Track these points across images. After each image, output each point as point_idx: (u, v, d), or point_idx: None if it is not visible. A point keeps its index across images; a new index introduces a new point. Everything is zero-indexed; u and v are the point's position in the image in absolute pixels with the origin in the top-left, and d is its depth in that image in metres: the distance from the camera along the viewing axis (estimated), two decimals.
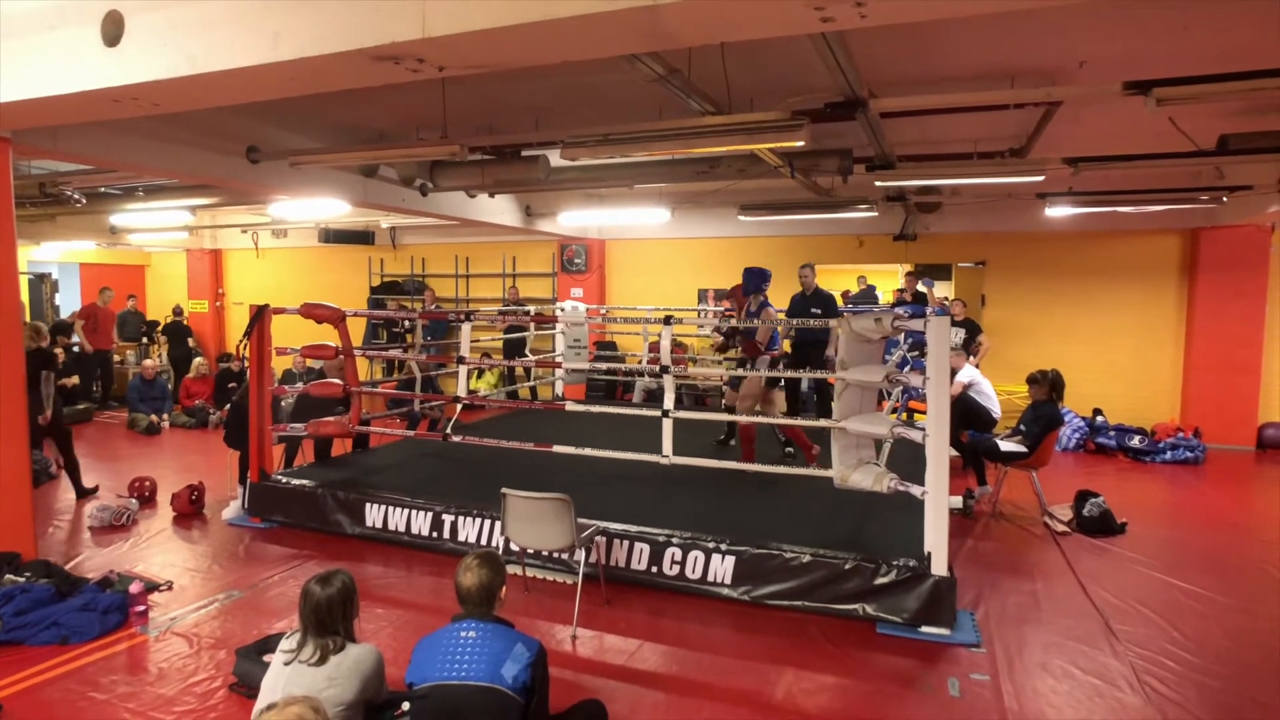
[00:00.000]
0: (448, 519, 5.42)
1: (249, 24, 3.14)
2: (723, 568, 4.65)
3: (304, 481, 6.09)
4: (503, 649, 2.63)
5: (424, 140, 6.29)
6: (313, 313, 6.30)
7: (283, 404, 7.01)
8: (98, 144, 5.47)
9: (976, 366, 7.65)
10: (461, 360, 6.44)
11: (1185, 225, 9.35)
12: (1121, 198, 7.85)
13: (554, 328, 10.37)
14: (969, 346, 8.45)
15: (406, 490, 5.78)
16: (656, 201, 9.78)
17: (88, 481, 6.97)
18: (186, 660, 3.92)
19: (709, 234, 11.27)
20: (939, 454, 4.23)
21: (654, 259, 11.94)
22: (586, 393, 11.21)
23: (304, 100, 4.15)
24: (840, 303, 8.86)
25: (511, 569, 4.48)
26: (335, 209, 9.20)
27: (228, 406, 7.20)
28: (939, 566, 4.22)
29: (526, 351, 10.75)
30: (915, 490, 4.35)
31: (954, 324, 8.49)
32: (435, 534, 5.46)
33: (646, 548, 4.82)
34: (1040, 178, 6.21)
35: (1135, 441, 8.93)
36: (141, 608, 4.36)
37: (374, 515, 5.68)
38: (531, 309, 11.76)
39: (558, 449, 5.78)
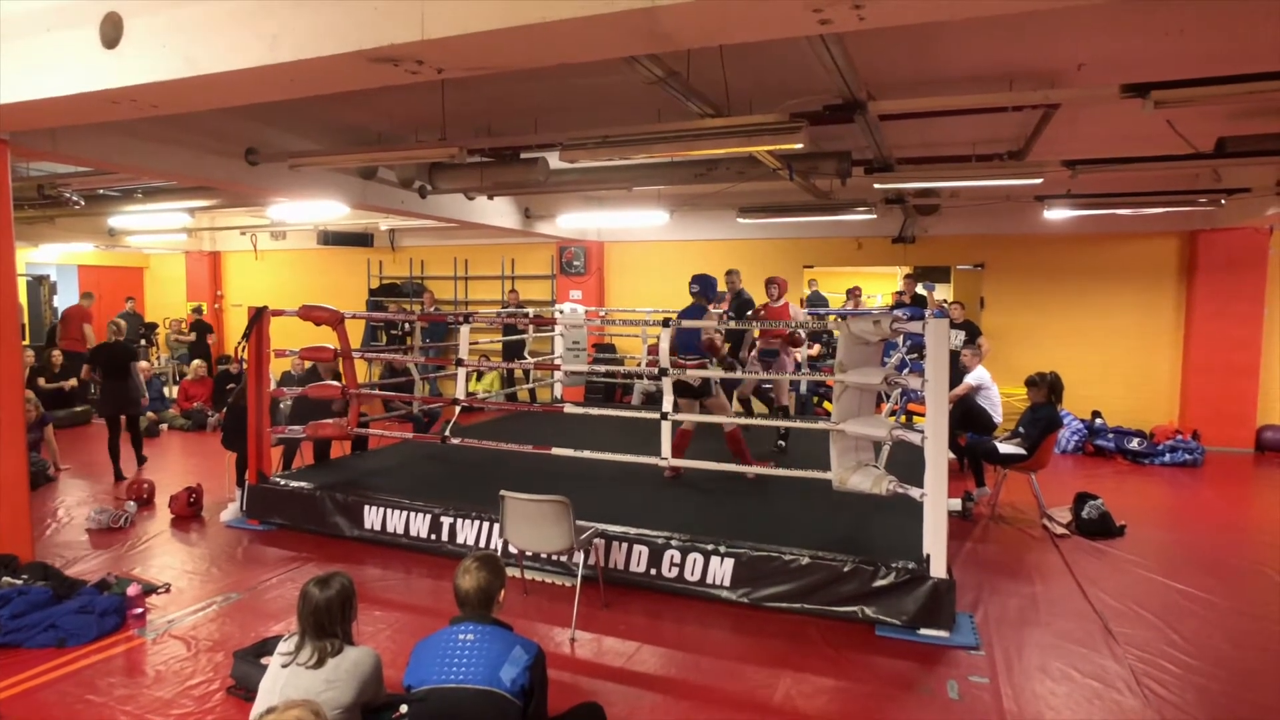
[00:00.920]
0: (446, 521, 5.42)
1: (247, 26, 3.14)
2: (721, 570, 4.64)
3: (302, 483, 6.08)
4: (501, 652, 2.62)
5: (423, 142, 6.29)
6: (311, 315, 6.29)
7: (281, 406, 7.00)
8: (96, 146, 5.47)
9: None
10: (460, 362, 6.44)
11: (1183, 228, 9.36)
12: (1120, 200, 7.86)
13: (553, 330, 10.37)
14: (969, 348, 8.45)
15: (405, 492, 5.77)
16: (655, 204, 9.79)
17: (88, 478, 6.98)
18: (184, 663, 3.92)
19: (708, 236, 11.28)
20: (938, 456, 4.23)
21: (653, 261, 11.94)
22: (585, 395, 11.21)
23: (303, 102, 4.16)
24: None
25: (510, 571, 4.48)
26: (334, 211, 9.20)
27: (225, 409, 7.21)
28: (938, 569, 4.21)
29: (525, 354, 10.75)
30: (914, 492, 4.35)
31: (953, 326, 8.50)
32: (434, 536, 5.45)
33: (645, 550, 4.81)
34: (1038, 180, 6.21)
35: (1134, 444, 8.93)
36: (139, 610, 4.35)
37: (373, 517, 5.67)
38: (530, 311, 11.77)
39: (556, 451, 5.78)
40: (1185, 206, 7.78)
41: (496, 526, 4.89)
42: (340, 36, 2.96)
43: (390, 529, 5.60)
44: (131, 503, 6.46)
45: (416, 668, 2.66)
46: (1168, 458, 8.67)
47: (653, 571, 4.79)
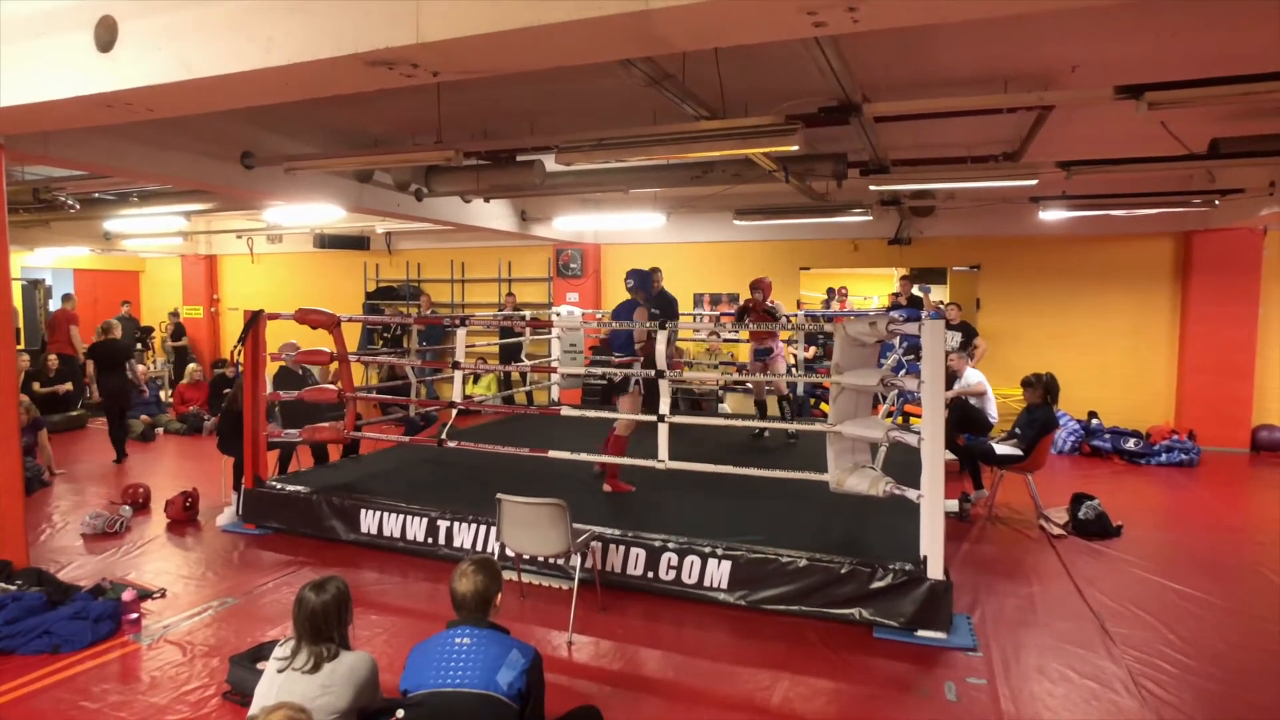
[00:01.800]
0: (443, 525, 5.41)
1: (243, 29, 3.14)
2: (719, 572, 4.64)
3: (298, 487, 6.07)
4: (498, 655, 2.62)
5: (419, 145, 6.29)
6: (308, 318, 6.28)
7: (276, 409, 6.98)
8: (92, 150, 5.45)
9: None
10: (457, 365, 6.43)
11: (1178, 228, 9.39)
12: (1115, 201, 7.89)
13: (549, 332, 10.36)
14: (966, 350, 8.47)
15: (402, 496, 5.76)
16: (652, 206, 9.79)
17: (82, 485, 6.95)
18: (180, 668, 3.90)
19: (704, 239, 11.29)
20: (934, 457, 4.23)
21: (649, 263, 11.89)
22: (582, 397, 11.20)
23: (299, 105, 4.15)
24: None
25: (507, 575, 4.46)
26: (330, 214, 9.19)
27: (220, 412, 7.18)
28: (935, 570, 4.22)
29: (522, 356, 10.74)
30: (911, 494, 4.35)
31: (949, 328, 8.52)
32: (430, 540, 5.44)
33: (642, 552, 4.81)
34: (1034, 181, 6.23)
35: (1130, 444, 8.95)
36: (134, 615, 4.34)
37: (369, 521, 5.66)
38: (527, 314, 11.76)
39: (553, 454, 5.77)
40: (1179, 207, 7.81)
41: (493, 530, 4.88)
42: (336, 40, 2.96)
43: (387, 533, 5.59)
44: (126, 507, 6.43)
45: (413, 672, 2.65)
46: (1164, 458, 8.70)
47: (650, 574, 4.78)
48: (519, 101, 5.61)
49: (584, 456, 5.66)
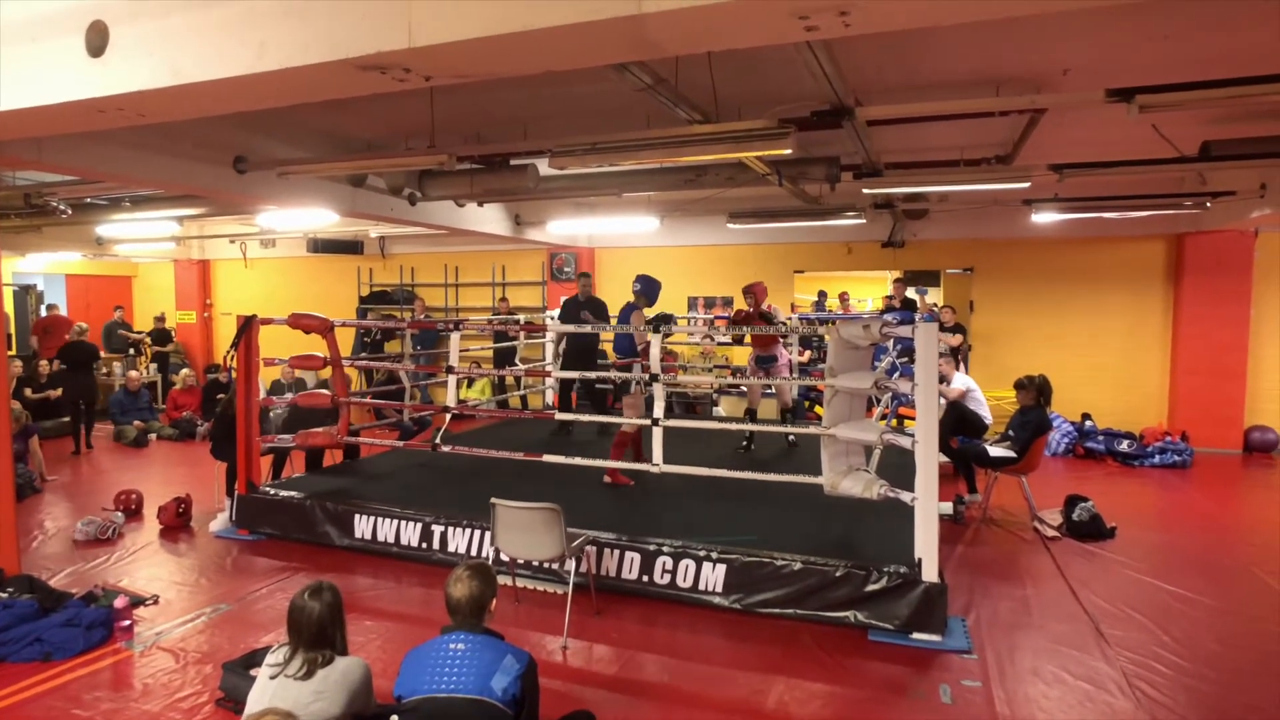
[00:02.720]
0: (437, 530, 5.39)
1: (234, 34, 3.13)
2: (714, 576, 4.63)
3: (292, 493, 6.04)
4: (492, 661, 2.61)
5: (412, 150, 6.28)
6: (300, 323, 6.27)
7: (271, 415, 6.96)
8: (83, 155, 5.43)
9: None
10: (450, 369, 6.42)
11: (1170, 230, 9.44)
12: (1107, 203, 7.92)
13: (544, 336, 10.35)
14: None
15: (396, 501, 5.74)
16: (645, 210, 9.80)
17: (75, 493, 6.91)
18: (172, 675, 3.88)
19: (698, 242, 11.30)
20: (928, 460, 4.23)
21: (644, 267, 11.85)
22: (577, 401, 11.18)
23: (291, 110, 4.15)
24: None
25: (502, 579, 4.46)
26: (324, 219, 9.18)
27: (214, 418, 7.16)
28: (929, 573, 4.22)
29: (516, 360, 10.73)
30: (905, 496, 4.36)
31: (944, 329, 8.54)
32: (424, 545, 5.42)
33: (637, 556, 4.80)
34: (1026, 184, 6.25)
35: (1124, 446, 8.98)
36: (127, 622, 4.30)
37: (363, 526, 5.64)
38: (521, 318, 11.74)
39: (548, 458, 5.76)
40: (1171, 210, 7.85)
41: (488, 534, 4.87)
42: (327, 44, 2.95)
43: (381, 538, 5.57)
44: (119, 513, 6.40)
45: (407, 678, 2.64)
46: (1157, 459, 8.73)
47: (645, 578, 4.78)
48: (512, 106, 5.62)
49: (579, 461, 5.65)
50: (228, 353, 6.33)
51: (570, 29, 2.59)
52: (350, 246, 12.72)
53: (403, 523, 5.51)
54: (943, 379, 7.34)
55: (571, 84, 4.86)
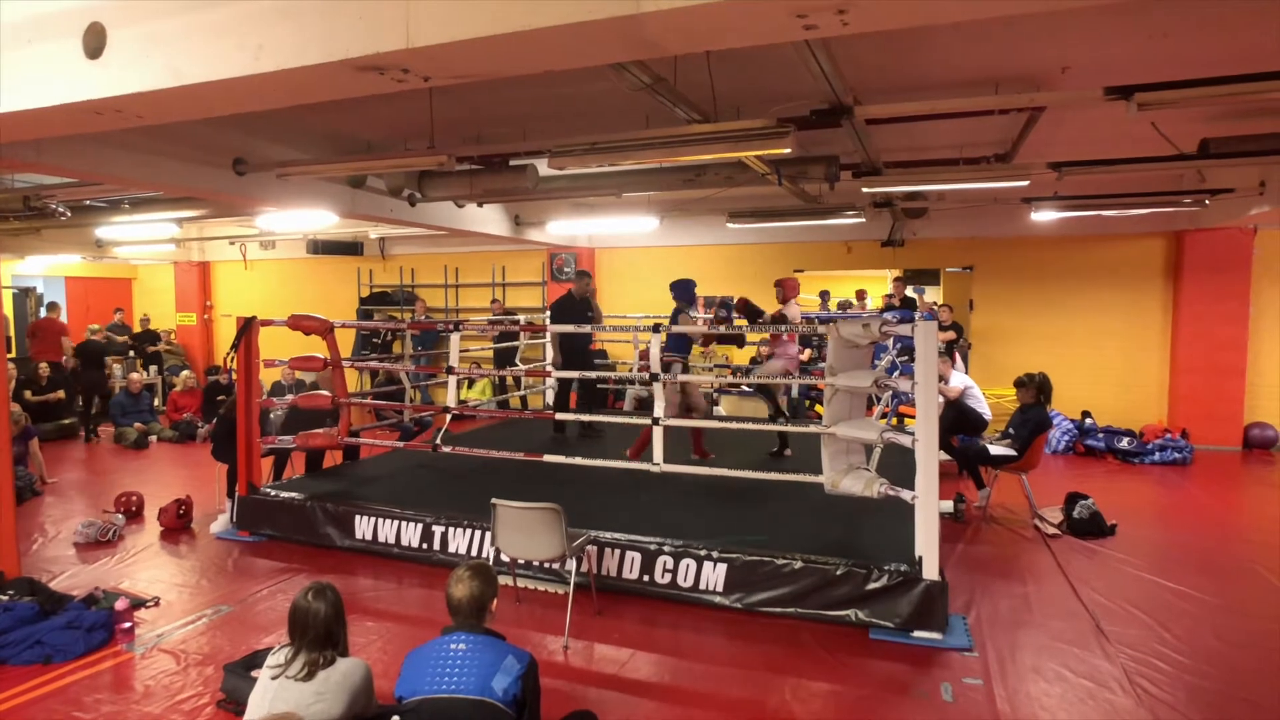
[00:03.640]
0: (438, 530, 5.39)
1: (232, 36, 3.13)
2: (714, 575, 4.63)
3: (293, 494, 6.04)
4: (493, 661, 2.61)
5: (411, 150, 6.28)
6: (300, 324, 6.27)
7: (272, 416, 6.96)
8: (82, 157, 5.43)
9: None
10: (451, 370, 6.42)
11: (1169, 228, 9.44)
12: (1106, 201, 7.92)
13: (544, 336, 10.35)
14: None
15: (396, 502, 5.74)
16: (645, 210, 9.80)
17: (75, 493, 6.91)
18: (173, 677, 3.88)
19: (698, 242, 11.30)
20: (928, 458, 4.23)
21: (644, 267, 11.95)
22: (577, 401, 11.17)
23: (290, 111, 4.14)
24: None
25: (502, 580, 4.45)
26: (323, 220, 9.17)
27: (215, 420, 7.16)
28: (930, 571, 4.22)
29: (517, 361, 10.73)
30: (905, 495, 4.36)
31: (942, 328, 8.54)
32: (425, 545, 5.42)
33: (638, 556, 4.80)
34: (1025, 182, 6.25)
35: (1124, 443, 8.99)
36: (127, 625, 4.29)
37: (364, 527, 5.64)
38: (521, 318, 11.75)
39: (548, 458, 5.76)
40: (1170, 207, 7.85)
41: (488, 535, 4.87)
42: (325, 45, 2.95)
43: (382, 539, 5.57)
44: (120, 515, 6.40)
45: (408, 678, 2.64)
46: (1157, 456, 8.73)
47: (645, 578, 4.78)
48: (511, 106, 5.61)
49: (578, 460, 5.65)
50: (228, 354, 6.33)
51: (569, 29, 2.59)
52: (350, 248, 12.72)
53: (403, 523, 5.51)
54: (940, 378, 7.34)
55: (571, 84, 4.85)
